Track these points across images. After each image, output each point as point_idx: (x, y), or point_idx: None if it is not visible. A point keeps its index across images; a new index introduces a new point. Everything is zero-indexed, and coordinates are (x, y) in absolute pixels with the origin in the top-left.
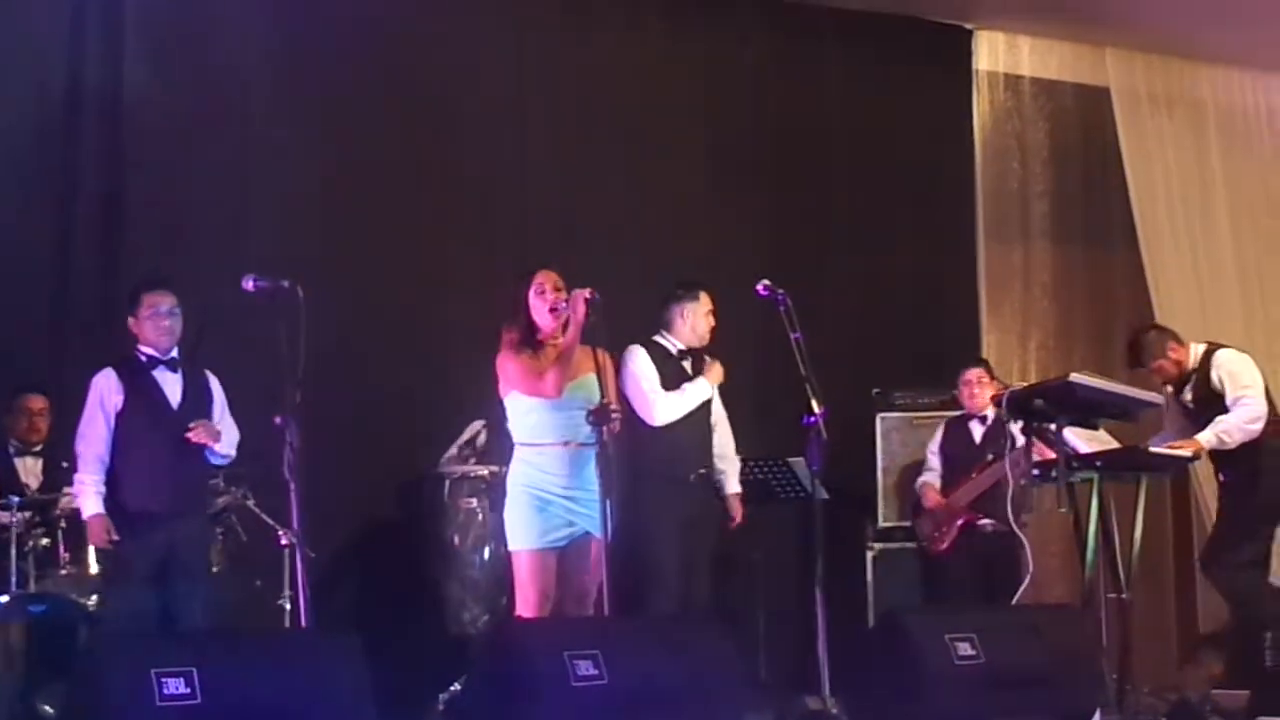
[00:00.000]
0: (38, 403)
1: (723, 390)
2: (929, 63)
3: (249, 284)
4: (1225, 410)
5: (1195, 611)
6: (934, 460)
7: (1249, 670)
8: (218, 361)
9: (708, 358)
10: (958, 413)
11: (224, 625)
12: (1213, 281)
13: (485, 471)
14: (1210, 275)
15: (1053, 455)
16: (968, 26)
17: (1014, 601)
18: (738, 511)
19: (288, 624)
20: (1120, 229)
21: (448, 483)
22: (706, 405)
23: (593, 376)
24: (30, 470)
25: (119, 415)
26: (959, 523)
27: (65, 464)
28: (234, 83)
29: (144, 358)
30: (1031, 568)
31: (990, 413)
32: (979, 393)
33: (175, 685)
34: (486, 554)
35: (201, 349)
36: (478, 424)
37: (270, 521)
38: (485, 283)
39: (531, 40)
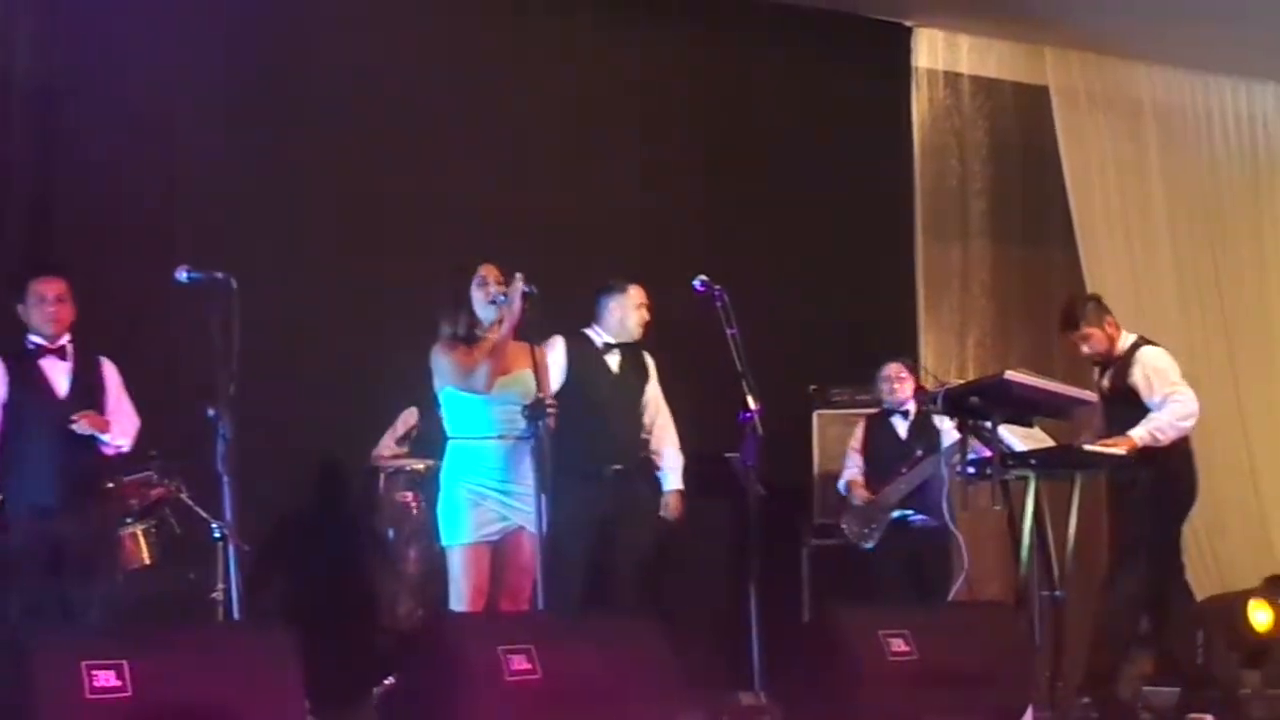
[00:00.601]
0: None
1: (660, 387)
2: (868, 60)
3: (182, 275)
4: (1137, 406)
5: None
6: (855, 458)
7: (1180, 668)
8: (151, 353)
9: (647, 354)
10: (877, 410)
11: (156, 618)
12: (1149, 280)
13: (420, 465)
14: (1147, 273)
15: (988, 452)
16: (907, 24)
17: (949, 599)
18: (672, 508)
19: (221, 617)
20: (1058, 227)
21: (382, 476)
22: (633, 398)
23: (529, 371)
24: None
25: (4, 405)
26: (889, 520)
27: None
28: (168, 72)
29: (32, 345)
30: (966, 565)
31: (912, 407)
32: (899, 387)
33: (105, 678)
34: (421, 548)
35: (134, 340)
36: (410, 412)
37: (204, 514)
38: (420, 274)
39: (466, 35)
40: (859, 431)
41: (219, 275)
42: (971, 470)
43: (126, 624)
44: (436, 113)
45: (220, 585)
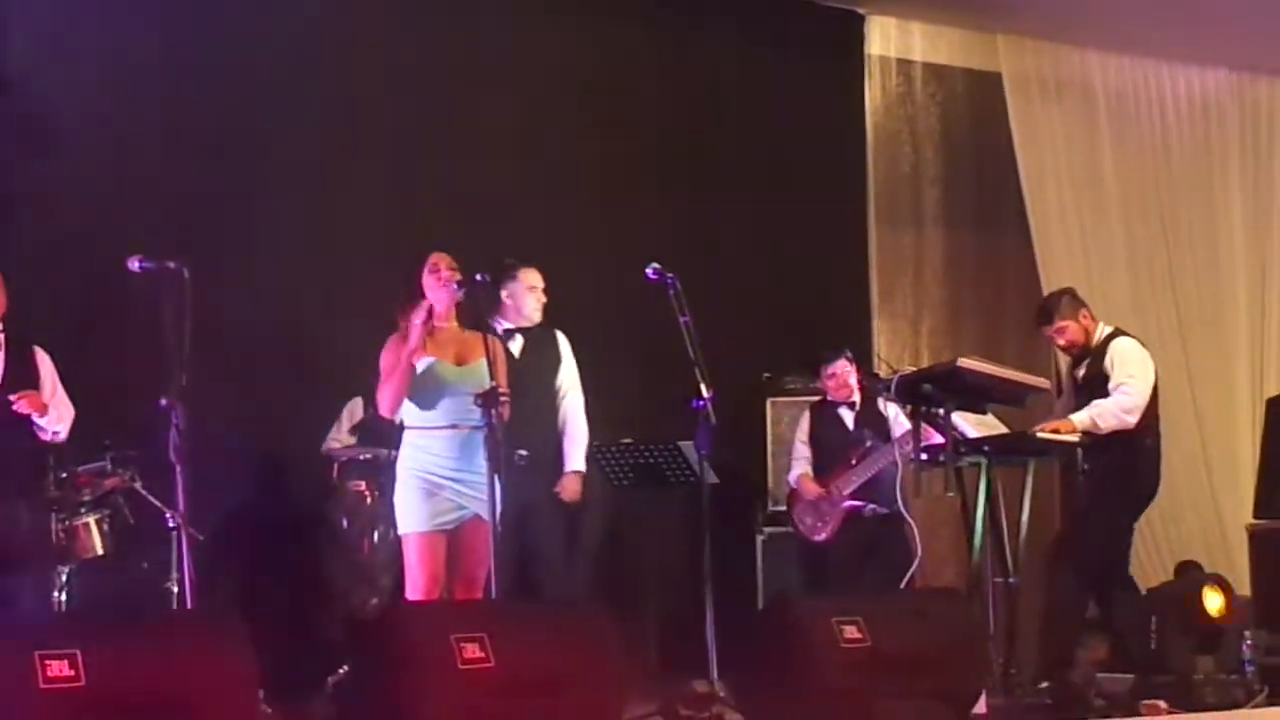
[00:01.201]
0: None
1: (613, 375)
2: (821, 47)
3: (135, 265)
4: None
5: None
6: (804, 450)
7: (1133, 654)
8: (103, 343)
9: (560, 334)
10: (818, 399)
11: (110, 608)
12: (1102, 267)
13: (373, 455)
14: (1100, 260)
15: (940, 440)
16: (860, 11)
17: (902, 586)
18: (566, 488)
19: (175, 606)
20: (1011, 214)
21: (336, 465)
22: (541, 384)
23: (483, 361)
24: None
25: None
26: (842, 512)
27: None
28: (120, 59)
29: None
30: (919, 552)
31: (857, 398)
32: (845, 382)
33: (59, 668)
34: (375, 537)
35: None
36: (356, 402)
37: (157, 504)
38: (374, 264)
39: (421, 22)
40: (804, 423)
41: (171, 264)
42: (924, 457)
43: (80, 614)
44: (390, 101)
45: (174, 575)
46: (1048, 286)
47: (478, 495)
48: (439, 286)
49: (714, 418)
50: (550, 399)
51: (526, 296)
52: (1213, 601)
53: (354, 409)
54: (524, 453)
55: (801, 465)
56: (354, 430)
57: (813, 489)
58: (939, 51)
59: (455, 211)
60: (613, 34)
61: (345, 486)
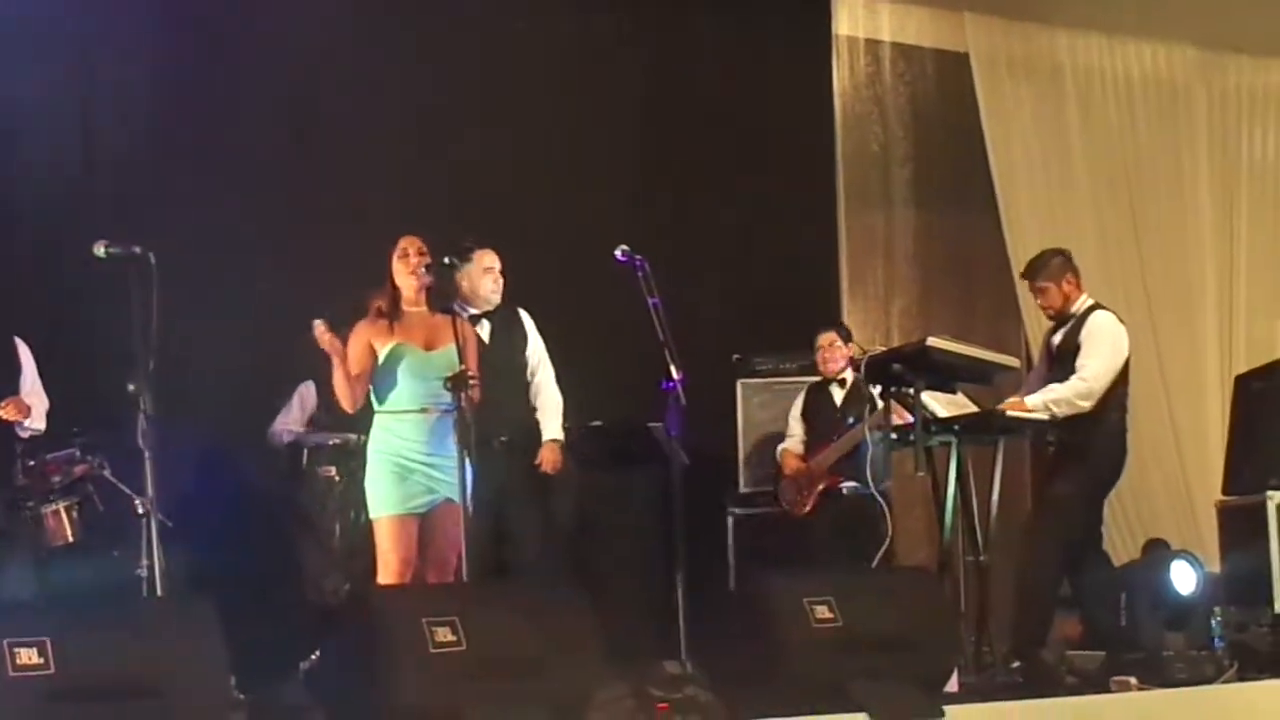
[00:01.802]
0: None
1: (582, 357)
2: (788, 27)
3: (100, 250)
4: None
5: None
6: (796, 426)
7: (1104, 631)
8: (70, 329)
9: (523, 311)
10: (818, 378)
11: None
12: (1070, 245)
13: (343, 440)
14: (1068, 238)
15: (912, 419)
16: None
17: (874, 564)
18: (546, 459)
19: (145, 593)
20: (981, 194)
21: (305, 450)
22: (512, 366)
23: (453, 345)
24: None
25: None
26: (819, 487)
27: None
28: (87, 44)
29: None
30: (890, 531)
31: (849, 376)
32: (832, 356)
33: (28, 655)
34: (345, 522)
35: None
36: (307, 385)
37: (126, 490)
38: (342, 249)
39: (385, 6)
40: (800, 398)
41: (137, 250)
42: (894, 436)
43: (49, 601)
44: (357, 84)
45: (144, 561)
46: (1017, 265)
47: (448, 479)
48: (407, 272)
49: (684, 399)
50: (522, 380)
51: (483, 279)
52: (1183, 578)
53: (305, 394)
54: (504, 438)
55: (789, 440)
56: (311, 420)
57: (793, 463)
58: (907, 31)
59: (423, 195)
60: (580, 16)
61: (315, 472)
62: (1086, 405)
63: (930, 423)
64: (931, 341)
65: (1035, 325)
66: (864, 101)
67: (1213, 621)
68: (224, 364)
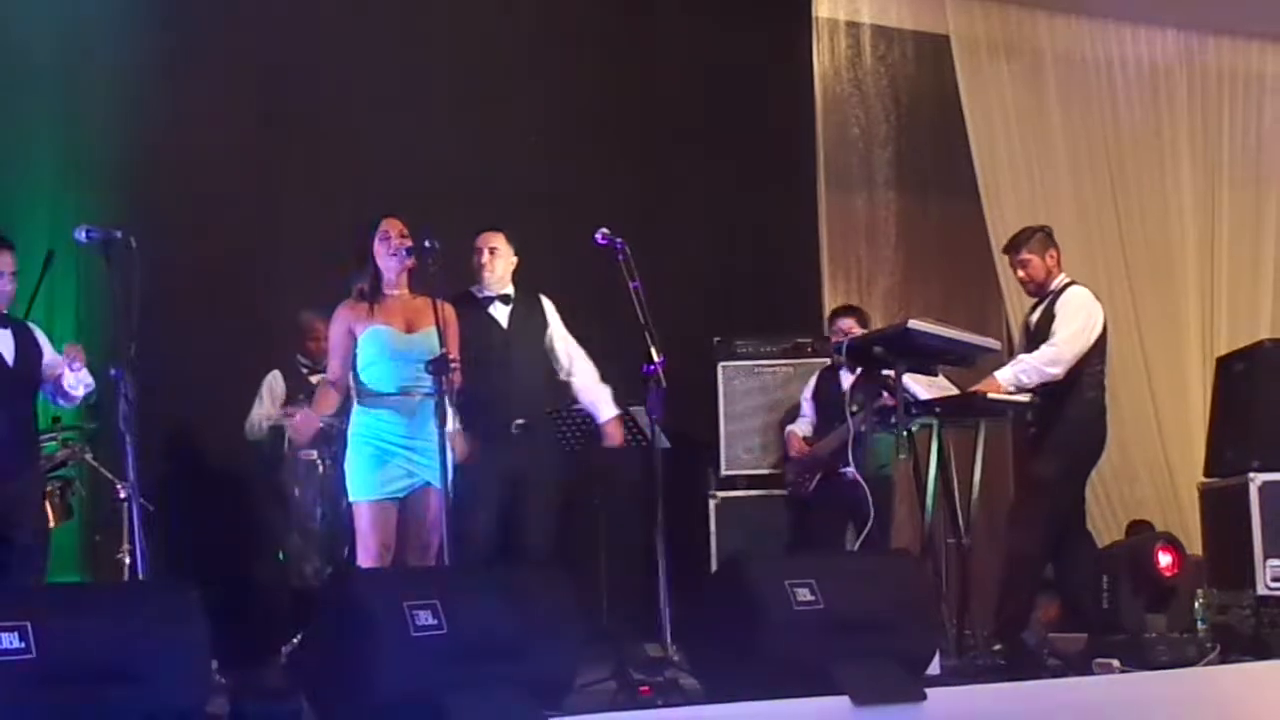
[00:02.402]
0: None
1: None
2: (768, 9)
3: (81, 235)
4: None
5: None
6: (806, 407)
7: (1086, 613)
8: (53, 313)
9: (545, 298)
10: (828, 361)
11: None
12: (1052, 227)
13: (324, 424)
14: (1049, 222)
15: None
16: None
17: (856, 547)
18: (612, 435)
19: (126, 577)
20: (962, 177)
21: (286, 434)
22: (530, 349)
23: (433, 328)
24: None
25: None
26: (819, 473)
27: None
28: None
29: None
30: (873, 515)
31: None
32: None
33: (9, 640)
34: (327, 505)
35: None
36: (274, 376)
37: (108, 474)
38: (322, 233)
39: None
40: (812, 381)
41: (118, 234)
42: (876, 419)
43: (30, 585)
44: (339, 66)
45: (125, 545)
46: (998, 247)
47: (429, 463)
48: (388, 254)
49: (665, 382)
50: (540, 365)
51: (471, 259)
52: (1165, 560)
53: (273, 384)
54: (521, 421)
55: (798, 421)
56: (288, 405)
57: (798, 445)
58: (887, 14)
59: (401, 179)
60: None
61: (296, 455)
62: (1055, 372)
63: (911, 405)
64: (913, 324)
65: (1017, 307)
66: (844, 84)
67: (1195, 604)
68: (206, 346)
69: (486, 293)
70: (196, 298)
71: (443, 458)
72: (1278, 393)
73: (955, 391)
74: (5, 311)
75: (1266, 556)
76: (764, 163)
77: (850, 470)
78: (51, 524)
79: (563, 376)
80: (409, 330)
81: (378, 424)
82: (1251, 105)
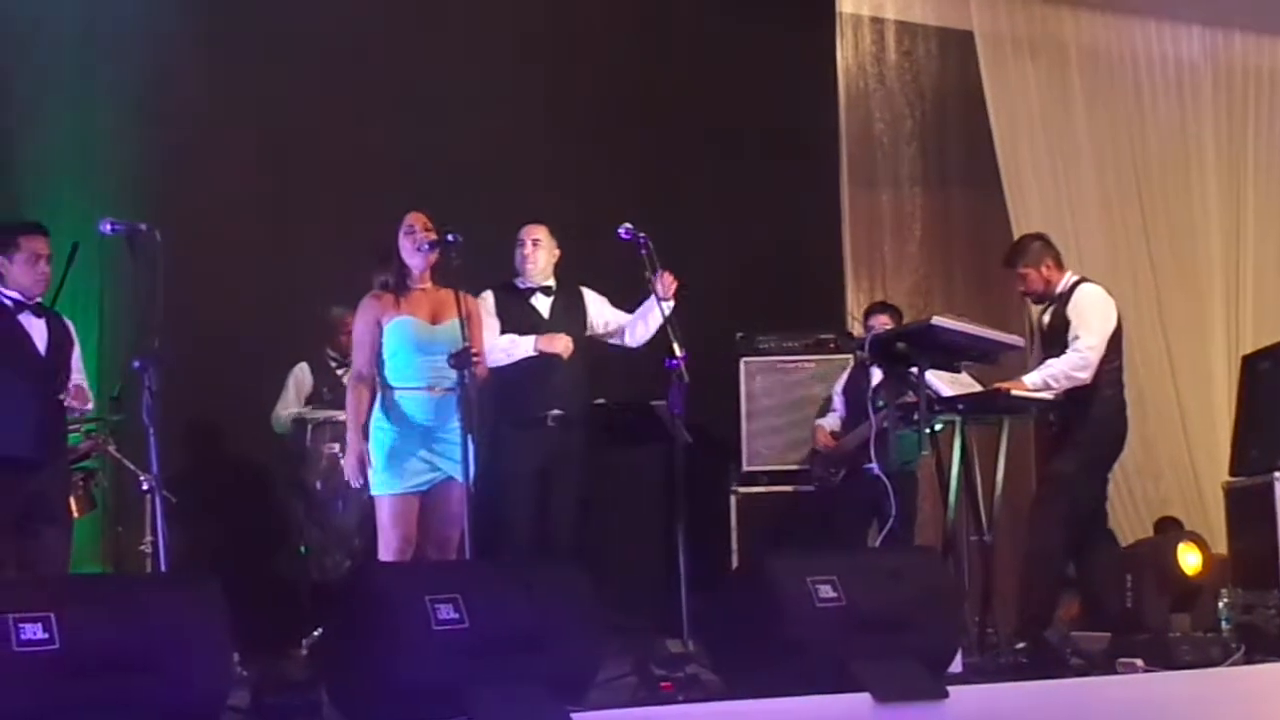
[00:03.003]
0: None
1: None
2: (792, 5)
3: (106, 227)
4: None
5: None
6: (837, 401)
7: (1110, 612)
8: (76, 305)
9: (587, 289)
10: (850, 357)
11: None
12: (1076, 225)
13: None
14: (1074, 218)
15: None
16: None
17: (878, 543)
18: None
19: (149, 569)
20: (986, 173)
21: (309, 427)
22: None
23: (456, 321)
24: None
25: None
26: (846, 467)
27: None
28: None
29: (9, 301)
30: (894, 511)
31: None
32: None
33: (33, 630)
34: (349, 499)
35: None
36: (301, 368)
37: (131, 466)
38: (344, 227)
39: None
40: (844, 374)
41: (142, 226)
42: (899, 416)
43: (54, 576)
44: (360, 62)
45: (148, 537)
46: None
47: (451, 457)
48: (413, 248)
49: (687, 377)
50: (578, 357)
51: (516, 252)
52: (1189, 559)
53: (300, 376)
54: (558, 412)
55: (827, 415)
56: (313, 399)
57: (824, 439)
58: (911, 9)
59: (430, 172)
60: None
61: (319, 449)
62: (1084, 377)
63: (934, 402)
64: (936, 320)
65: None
66: (868, 80)
67: (1220, 603)
68: (229, 339)
69: (528, 284)
70: (220, 290)
71: (464, 452)
72: None
73: (979, 388)
74: (41, 300)
75: None
76: (787, 158)
77: (873, 466)
78: (75, 515)
79: (630, 342)
80: (434, 321)
81: (402, 417)
82: (1278, 102)
